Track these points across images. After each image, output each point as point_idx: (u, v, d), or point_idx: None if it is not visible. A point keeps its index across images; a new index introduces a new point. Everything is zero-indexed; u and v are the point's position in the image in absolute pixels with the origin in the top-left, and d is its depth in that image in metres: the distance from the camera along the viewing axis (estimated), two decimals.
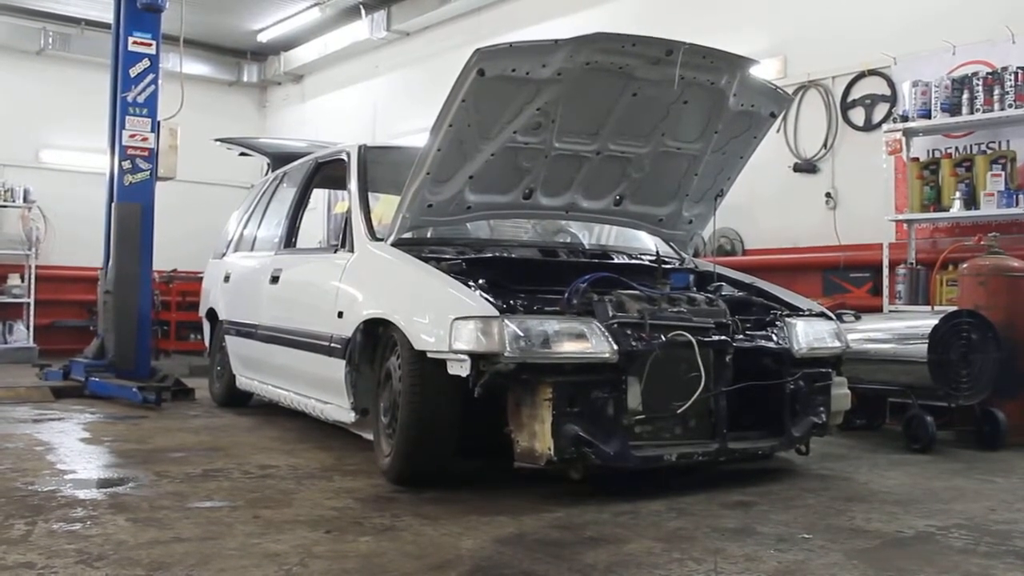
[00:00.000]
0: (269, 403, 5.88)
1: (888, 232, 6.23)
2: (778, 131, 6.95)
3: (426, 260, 4.06)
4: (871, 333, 5.15)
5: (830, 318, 4.41)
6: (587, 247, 5.04)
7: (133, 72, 7.15)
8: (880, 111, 6.64)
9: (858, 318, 5.20)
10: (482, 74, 3.80)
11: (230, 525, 3.10)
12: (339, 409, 4.38)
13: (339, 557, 2.74)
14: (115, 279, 7.10)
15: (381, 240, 4.39)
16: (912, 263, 6.06)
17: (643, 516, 3.30)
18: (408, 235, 4.36)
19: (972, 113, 5.75)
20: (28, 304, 10.86)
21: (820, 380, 4.09)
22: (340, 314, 4.31)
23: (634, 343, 3.57)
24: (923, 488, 3.88)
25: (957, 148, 6.17)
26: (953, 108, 5.84)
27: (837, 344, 4.25)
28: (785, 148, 7.12)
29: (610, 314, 3.64)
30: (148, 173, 7.21)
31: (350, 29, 11.02)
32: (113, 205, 7.22)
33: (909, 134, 6.11)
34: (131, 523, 3.11)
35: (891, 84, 6.55)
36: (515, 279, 4.04)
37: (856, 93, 6.80)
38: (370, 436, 4.15)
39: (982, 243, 5.38)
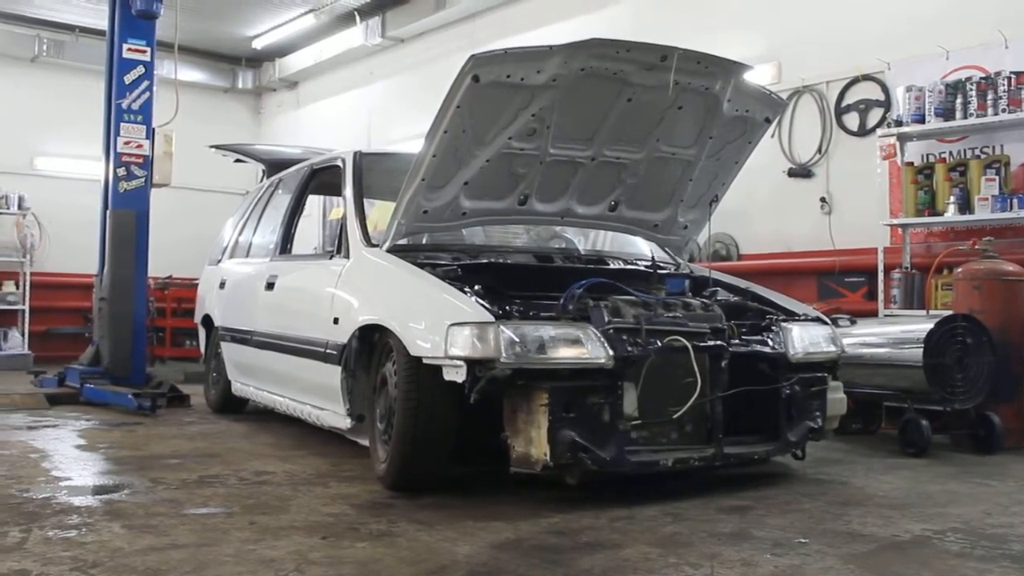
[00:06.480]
0: (265, 409, 5.87)
1: (883, 237, 6.24)
2: (773, 136, 6.99)
3: (421, 266, 4.05)
4: (866, 338, 5.16)
5: (825, 323, 4.42)
6: (582, 253, 5.05)
7: (128, 79, 7.16)
8: (874, 116, 6.67)
9: (853, 323, 5.21)
10: (477, 80, 3.81)
11: (226, 531, 3.09)
12: (335, 415, 4.38)
13: (335, 563, 2.73)
14: (110, 286, 7.09)
15: (376, 246, 4.39)
16: (907, 267, 6.08)
17: (639, 521, 3.29)
18: (403, 241, 4.36)
19: (966, 118, 5.77)
20: (23, 311, 10.84)
21: (816, 385, 4.09)
22: (336, 320, 4.31)
23: (630, 348, 3.57)
24: (919, 492, 3.89)
25: (951, 153, 6.19)
26: (947, 113, 5.86)
27: (833, 349, 4.25)
28: (780, 153, 7.15)
29: (606, 319, 3.64)
30: (143, 180, 7.21)
31: (345, 36, 11.04)
32: (108, 212, 7.21)
33: (903, 139, 6.14)
34: (127, 530, 3.10)
35: (885, 89, 6.58)
36: (511, 285, 4.03)
37: (850, 98, 6.83)
38: (366, 442, 4.15)
39: (977, 247, 5.39)
